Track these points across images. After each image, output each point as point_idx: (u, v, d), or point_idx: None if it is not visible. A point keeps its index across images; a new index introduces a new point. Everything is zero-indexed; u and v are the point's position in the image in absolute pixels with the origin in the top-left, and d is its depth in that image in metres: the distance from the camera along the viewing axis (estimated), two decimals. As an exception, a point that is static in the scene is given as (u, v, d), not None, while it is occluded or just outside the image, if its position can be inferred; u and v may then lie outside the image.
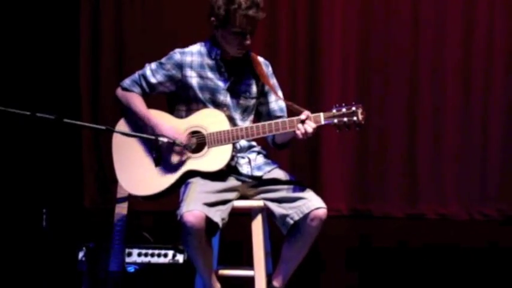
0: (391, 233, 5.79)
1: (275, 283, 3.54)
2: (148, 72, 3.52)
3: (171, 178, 3.42)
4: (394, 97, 6.27)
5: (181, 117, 3.51)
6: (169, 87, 3.52)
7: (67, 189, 6.12)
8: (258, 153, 3.60)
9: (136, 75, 3.55)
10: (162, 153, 3.40)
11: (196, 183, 3.38)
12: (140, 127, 3.48)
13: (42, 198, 5.06)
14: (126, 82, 3.55)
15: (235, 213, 3.41)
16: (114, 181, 3.56)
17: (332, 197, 6.00)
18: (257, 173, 3.51)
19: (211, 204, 3.28)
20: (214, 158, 3.39)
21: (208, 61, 3.52)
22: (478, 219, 6.15)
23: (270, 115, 3.60)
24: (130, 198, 3.65)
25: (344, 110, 3.27)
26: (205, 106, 3.49)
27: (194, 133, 3.44)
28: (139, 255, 4.22)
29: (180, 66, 3.50)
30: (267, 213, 3.49)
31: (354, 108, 3.26)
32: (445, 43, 6.20)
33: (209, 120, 3.43)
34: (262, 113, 3.63)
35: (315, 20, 6.33)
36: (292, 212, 3.35)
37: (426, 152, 6.26)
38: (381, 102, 6.27)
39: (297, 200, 3.36)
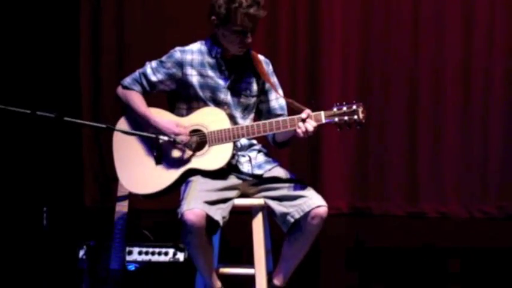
0: (392, 232, 5.78)
1: (276, 281, 3.54)
2: (148, 71, 3.52)
3: (172, 176, 3.42)
4: (394, 96, 6.26)
5: (181, 115, 3.51)
6: (170, 85, 3.53)
7: (67, 187, 6.11)
8: (259, 151, 3.60)
9: (136, 73, 3.55)
10: (162, 152, 3.40)
11: (197, 181, 3.38)
12: (140, 125, 3.48)
13: (42, 197, 5.05)
14: (127, 80, 3.55)
15: (235, 211, 3.42)
16: (115, 179, 3.56)
17: (332, 195, 5.99)
18: (258, 172, 3.51)
19: (212, 203, 3.29)
20: (215, 157, 3.39)
21: (208, 59, 3.52)
22: (478, 217, 6.15)
23: (270, 113, 3.61)
24: (131, 197, 3.65)
25: (345, 108, 3.27)
26: (205, 104, 3.49)
27: (195, 131, 3.44)
28: (139, 253, 4.23)
29: (180, 64, 3.50)
30: (267, 211, 3.49)
31: (354, 107, 3.26)
32: (445, 43, 6.19)
33: (210, 118, 3.43)
34: (262, 111, 3.64)
35: (315, 20, 6.32)
36: (293, 210, 3.36)
37: (426, 150, 6.25)
38: (381, 101, 6.25)
39: (297, 198, 3.37)
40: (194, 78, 3.49)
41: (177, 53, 3.52)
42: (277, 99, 3.61)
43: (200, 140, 3.42)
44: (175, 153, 3.43)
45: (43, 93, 5.82)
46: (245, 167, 3.51)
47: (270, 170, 3.53)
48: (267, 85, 3.57)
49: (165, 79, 3.51)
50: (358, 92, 6.20)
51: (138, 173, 3.47)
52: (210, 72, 3.51)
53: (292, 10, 6.35)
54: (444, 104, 6.20)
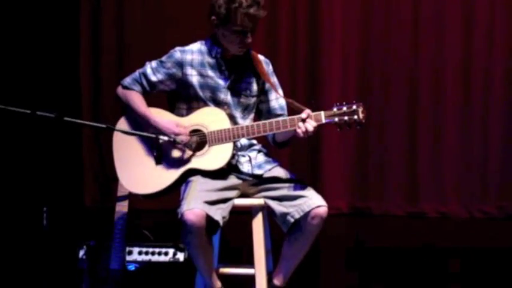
0: (391, 232, 5.78)
1: (276, 281, 3.54)
2: (148, 71, 3.52)
3: (172, 176, 3.42)
4: (394, 96, 6.26)
5: (182, 115, 3.51)
6: (170, 85, 3.53)
7: (67, 187, 6.11)
8: (259, 151, 3.60)
9: (136, 73, 3.55)
10: (162, 152, 3.40)
11: (197, 181, 3.38)
12: (140, 125, 3.48)
13: (42, 197, 5.05)
14: (127, 80, 3.55)
15: (235, 211, 3.42)
16: (115, 179, 3.56)
17: (332, 195, 5.99)
18: (258, 172, 3.51)
19: (212, 203, 3.29)
20: (215, 157, 3.40)
21: (208, 59, 3.52)
22: (478, 217, 6.16)
23: (270, 113, 3.61)
24: (131, 197, 3.65)
25: (345, 108, 3.27)
26: (205, 104, 3.49)
27: (195, 131, 3.44)
28: (139, 253, 4.22)
29: (180, 64, 3.50)
30: (267, 211, 3.49)
31: (354, 107, 3.26)
32: (445, 43, 6.19)
33: (210, 118, 3.43)
34: (262, 111, 3.64)
35: (315, 19, 6.32)
36: (293, 210, 3.36)
37: (426, 150, 6.25)
38: (381, 101, 6.26)
39: (297, 198, 3.37)
40: (194, 78, 3.49)
41: (177, 53, 3.52)
42: (277, 99, 3.61)
43: (200, 140, 3.42)
44: (175, 153, 3.43)
45: (43, 94, 5.82)
46: (245, 167, 3.51)
47: (270, 170, 3.53)
48: (267, 85, 3.57)
49: (165, 79, 3.51)
50: (358, 92, 6.20)
51: (138, 173, 3.47)
52: (210, 72, 3.51)
53: (292, 10, 6.35)
54: (444, 103, 6.20)
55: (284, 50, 6.34)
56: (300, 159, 6.29)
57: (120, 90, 3.56)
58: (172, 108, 3.55)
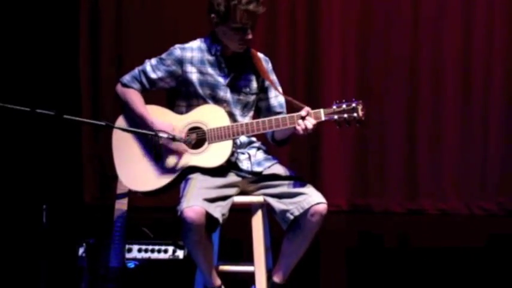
0: (391, 229, 5.79)
1: (275, 278, 3.54)
2: (148, 68, 3.51)
3: (171, 174, 3.42)
4: (394, 94, 6.28)
5: (181, 113, 3.51)
6: (170, 83, 3.52)
7: (67, 185, 6.12)
8: (258, 148, 3.60)
9: (136, 71, 3.55)
10: (161, 149, 3.40)
11: (197, 179, 3.38)
12: (138, 125, 3.47)
13: (42, 194, 5.05)
14: (126, 78, 3.55)
15: (235, 209, 3.42)
16: (114, 177, 3.56)
17: (332, 192, 6.00)
18: (257, 169, 3.51)
19: (212, 200, 3.29)
20: (215, 154, 3.40)
21: (208, 57, 3.51)
22: (478, 214, 6.17)
23: (269, 111, 3.60)
24: (131, 194, 3.65)
25: (344, 106, 3.27)
26: (205, 102, 3.49)
27: (194, 129, 3.43)
28: (139, 251, 4.22)
29: (180, 62, 3.49)
30: (267, 208, 3.49)
31: (354, 105, 3.27)
32: (445, 43, 6.21)
33: (209, 116, 3.43)
34: (261, 108, 3.64)
35: (315, 18, 6.33)
36: (293, 207, 3.36)
37: (426, 147, 6.27)
38: (381, 99, 6.27)
39: (297, 196, 3.37)
40: (194, 76, 3.49)
41: (177, 50, 3.52)
42: (277, 97, 3.61)
43: (199, 138, 3.42)
44: (175, 151, 3.42)
45: (43, 92, 5.83)
46: (244, 165, 3.51)
47: (269, 167, 3.53)
48: (267, 83, 3.57)
49: (164, 76, 3.51)
50: (358, 90, 6.22)
51: (138, 170, 3.47)
52: (210, 70, 3.51)
53: (291, 9, 6.36)
54: (444, 102, 6.22)
55: (283, 49, 6.36)
56: (300, 156, 6.31)
57: (119, 88, 3.55)
58: (171, 106, 3.55)
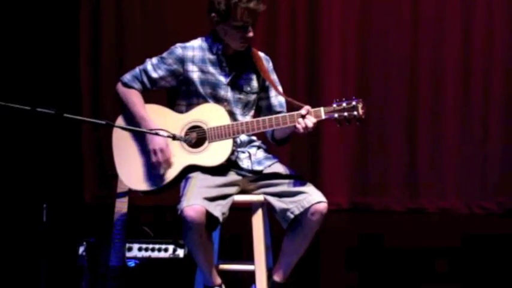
0: (391, 227, 5.79)
1: (276, 277, 3.54)
2: (149, 67, 3.51)
3: (172, 173, 3.42)
4: (394, 93, 6.29)
5: (181, 112, 3.51)
6: (171, 81, 3.52)
7: (67, 184, 6.12)
8: (258, 147, 3.60)
9: (137, 70, 3.54)
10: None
11: (197, 177, 3.38)
12: (138, 125, 3.47)
13: (42, 193, 5.05)
14: (127, 77, 3.54)
15: (235, 207, 3.42)
16: (115, 176, 3.56)
17: (332, 191, 6.01)
18: (257, 168, 3.51)
19: (212, 199, 3.29)
20: (215, 153, 3.39)
21: (209, 56, 3.51)
22: (478, 213, 6.17)
23: (270, 110, 3.60)
24: (131, 193, 3.65)
25: (344, 104, 3.27)
26: (205, 101, 3.48)
27: (194, 128, 3.43)
28: (139, 249, 4.23)
29: (181, 60, 3.49)
30: (267, 207, 3.49)
31: (354, 103, 3.27)
32: (445, 43, 6.21)
33: (209, 115, 3.43)
34: (262, 107, 3.64)
35: (315, 18, 6.34)
36: (293, 206, 3.35)
37: (426, 146, 6.28)
38: (381, 98, 6.28)
39: (297, 194, 3.37)
40: (195, 75, 3.49)
41: (178, 49, 3.51)
42: (277, 96, 3.60)
43: (200, 136, 3.42)
44: (175, 150, 3.43)
45: (44, 92, 5.84)
46: (245, 163, 3.51)
47: (269, 166, 3.53)
48: (267, 82, 3.57)
49: (166, 75, 3.50)
50: (358, 89, 6.22)
51: (138, 169, 3.47)
52: (211, 69, 3.51)
53: (291, 8, 6.36)
54: (444, 102, 6.23)
55: (284, 48, 6.36)
56: (300, 155, 6.31)
57: (120, 88, 3.55)
58: (172, 105, 3.55)
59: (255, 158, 3.53)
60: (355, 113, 3.26)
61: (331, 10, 6.30)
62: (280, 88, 3.57)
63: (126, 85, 3.52)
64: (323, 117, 3.29)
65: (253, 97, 3.57)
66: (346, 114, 3.26)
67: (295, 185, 3.41)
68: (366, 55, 6.32)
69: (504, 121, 6.16)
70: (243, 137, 3.54)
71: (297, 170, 3.57)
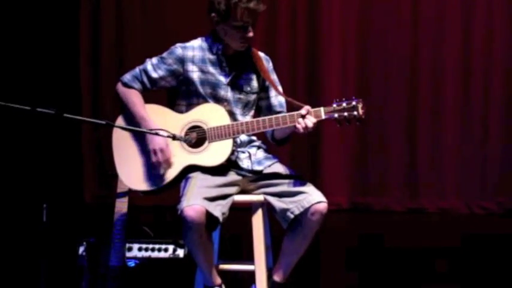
0: (391, 227, 5.79)
1: (276, 277, 3.54)
2: (149, 67, 3.51)
3: (172, 173, 3.42)
4: (394, 93, 6.29)
5: (181, 112, 3.51)
6: (171, 82, 3.52)
7: (67, 184, 6.12)
8: (258, 147, 3.60)
9: (137, 70, 3.54)
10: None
11: (197, 177, 3.38)
12: (138, 125, 3.47)
13: (42, 193, 5.05)
14: (127, 77, 3.54)
15: (235, 207, 3.41)
16: (115, 176, 3.56)
17: (332, 191, 6.01)
18: (257, 168, 3.51)
19: (212, 199, 3.28)
20: (215, 153, 3.39)
21: (209, 56, 3.51)
22: (478, 213, 6.17)
23: (270, 110, 3.60)
24: (131, 193, 3.65)
25: (344, 104, 3.27)
26: (205, 101, 3.48)
27: (194, 128, 3.43)
28: (139, 249, 4.22)
29: (181, 60, 3.49)
30: (267, 207, 3.49)
31: (354, 103, 3.27)
32: (445, 43, 6.22)
33: (209, 115, 3.43)
34: (262, 107, 3.64)
35: (315, 19, 6.34)
36: (293, 206, 3.35)
37: (426, 146, 6.28)
38: (381, 98, 6.28)
39: (297, 195, 3.36)
40: (195, 75, 3.49)
41: (178, 49, 3.51)
42: (277, 96, 3.60)
43: (200, 136, 3.42)
44: (175, 150, 3.43)
45: (44, 92, 5.84)
46: (245, 163, 3.51)
47: (269, 166, 3.53)
48: (267, 82, 3.57)
49: (166, 75, 3.50)
50: (358, 90, 6.22)
51: (138, 169, 3.47)
52: (211, 69, 3.51)
53: (291, 8, 6.36)
54: (444, 102, 6.24)
55: (284, 48, 6.36)
56: (300, 155, 6.31)
57: (120, 87, 3.54)
58: (171, 105, 3.55)
59: (255, 158, 3.53)
60: (355, 113, 3.26)
61: (331, 10, 6.30)
62: (280, 88, 3.57)
63: (126, 85, 3.52)
64: (323, 117, 3.29)
65: (253, 97, 3.57)
66: (346, 114, 3.26)
67: (295, 185, 3.41)
68: (366, 55, 6.32)
69: (504, 121, 6.16)
70: (243, 137, 3.54)
71: (297, 170, 3.57)
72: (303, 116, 3.27)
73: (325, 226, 3.44)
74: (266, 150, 3.61)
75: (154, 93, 3.58)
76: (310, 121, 3.26)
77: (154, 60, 3.52)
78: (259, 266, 3.45)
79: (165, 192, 3.49)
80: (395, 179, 6.30)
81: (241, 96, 3.54)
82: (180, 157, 3.42)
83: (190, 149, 3.42)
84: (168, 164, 3.40)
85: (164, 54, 3.51)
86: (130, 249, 4.19)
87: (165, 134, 3.30)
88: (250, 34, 3.42)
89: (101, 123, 3.22)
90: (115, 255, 3.63)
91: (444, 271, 4.53)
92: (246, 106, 3.56)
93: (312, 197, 3.35)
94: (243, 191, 3.49)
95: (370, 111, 3.85)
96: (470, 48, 6.20)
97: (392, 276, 4.48)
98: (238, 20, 3.36)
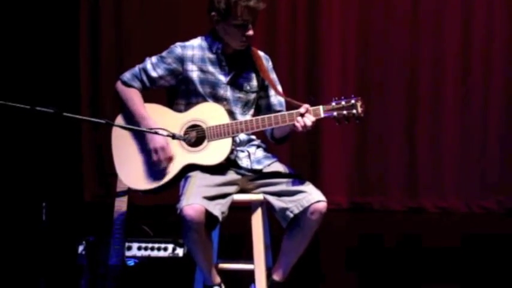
0: (391, 227, 5.80)
1: (275, 276, 3.54)
2: (149, 66, 3.51)
3: (171, 172, 3.42)
4: (394, 93, 6.29)
5: (180, 111, 3.51)
6: (170, 81, 3.52)
7: (67, 183, 6.12)
8: (258, 146, 3.60)
9: (136, 69, 3.54)
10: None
11: (196, 177, 3.38)
12: (138, 124, 3.47)
13: (42, 192, 5.05)
14: (126, 76, 3.54)
15: (235, 207, 3.41)
16: (114, 175, 3.56)
17: (332, 190, 6.01)
18: (257, 167, 3.51)
19: (211, 198, 3.28)
20: (214, 152, 3.39)
21: (209, 55, 3.51)
22: (477, 212, 6.17)
23: (269, 109, 3.60)
24: (130, 192, 3.65)
25: (343, 102, 3.27)
26: (204, 100, 3.48)
27: (194, 127, 3.43)
28: (139, 249, 4.22)
29: (181, 60, 3.49)
30: (266, 206, 3.49)
31: (353, 101, 3.26)
32: (445, 43, 6.22)
33: (209, 114, 3.43)
34: (261, 106, 3.63)
35: (315, 19, 6.34)
36: (292, 205, 3.35)
37: (426, 145, 6.28)
38: (381, 98, 6.28)
39: (296, 194, 3.36)
40: (194, 74, 3.49)
41: (178, 48, 3.51)
42: (276, 95, 3.60)
43: (199, 136, 3.41)
44: (174, 149, 3.42)
45: (44, 91, 5.84)
46: (244, 162, 3.51)
47: (269, 165, 3.53)
48: (267, 81, 3.57)
49: (165, 74, 3.50)
50: (358, 89, 6.22)
51: (137, 168, 3.47)
52: (211, 68, 3.50)
53: (291, 7, 6.36)
54: (444, 102, 6.24)
55: (284, 48, 6.36)
56: (300, 154, 6.31)
57: (119, 86, 3.54)
58: (171, 104, 3.55)
59: (254, 157, 3.53)
60: (354, 111, 3.26)
61: (331, 10, 6.30)
62: (279, 87, 3.57)
63: (125, 84, 3.52)
64: (322, 115, 3.28)
65: (252, 96, 3.57)
66: (345, 112, 3.26)
67: (294, 184, 3.40)
68: (365, 55, 6.32)
69: (504, 120, 6.16)
70: (243, 136, 3.54)
71: (296, 169, 3.56)
72: (302, 115, 3.27)
73: (324, 226, 3.44)
74: (265, 149, 3.61)
75: (153, 92, 3.57)
76: (309, 119, 3.26)
77: (154, 59, 3.52)
78: (258, 265, 3.45)
79: (164, 192, 3.49)
80: (395, 179, 6.30)
81: (241, 95, 3.54)
82: (180, 156, 3.42)
83: (189, 148, 3.41)
84: (169, 162, 3.40)
85: (164, 53, 3.51)
86: (129, 248, 4.19)
87: (165, 133, 3.30)
88: (250, 32, 3.41)
89: (101, 122, 3.22)
90: (114, 254, 3.63)
91: (444, 271, 4.53)
92: (245, 105, 3.56)
93: (312, 196, 3.35)
94: (242, 190, 3.49)
95: (370, 111, 3.85)
96: (470, 48, 6.20)
97: (392, 276, 4.47)
98: (238, 19, 3.36)
